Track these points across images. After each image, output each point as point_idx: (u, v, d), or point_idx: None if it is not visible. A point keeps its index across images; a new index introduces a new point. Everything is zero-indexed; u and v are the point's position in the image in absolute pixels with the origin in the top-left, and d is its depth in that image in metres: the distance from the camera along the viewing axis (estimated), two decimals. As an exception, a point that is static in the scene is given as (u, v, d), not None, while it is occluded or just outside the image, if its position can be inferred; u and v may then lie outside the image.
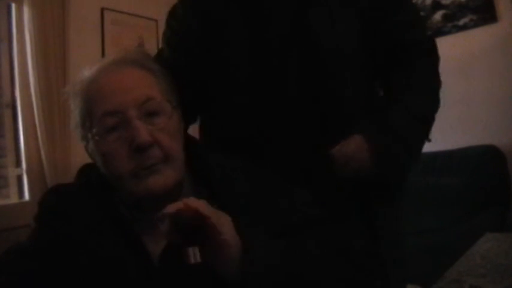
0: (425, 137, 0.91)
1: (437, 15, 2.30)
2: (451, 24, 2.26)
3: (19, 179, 2.45)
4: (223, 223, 0.59)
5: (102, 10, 2.81)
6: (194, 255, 0.54)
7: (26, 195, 2.42)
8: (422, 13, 2.33)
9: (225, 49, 0.89)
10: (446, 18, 2.27)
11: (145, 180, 0.66)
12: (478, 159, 2.10)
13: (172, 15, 0.97)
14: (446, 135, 2.27)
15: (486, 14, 2.15)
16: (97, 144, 0.68)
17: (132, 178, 0.67)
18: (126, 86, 0.69)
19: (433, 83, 0.93)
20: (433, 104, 0.91)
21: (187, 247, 0.55)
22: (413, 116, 0.87)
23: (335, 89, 0.86)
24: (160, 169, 0.67)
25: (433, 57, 0.94)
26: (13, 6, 2.44)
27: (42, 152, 2.40)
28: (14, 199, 2.42)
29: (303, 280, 0.64)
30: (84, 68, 0.74)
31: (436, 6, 2.30)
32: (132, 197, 0.69)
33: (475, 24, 2.19)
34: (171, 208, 0.56)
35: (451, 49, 2.29)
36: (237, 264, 0.59)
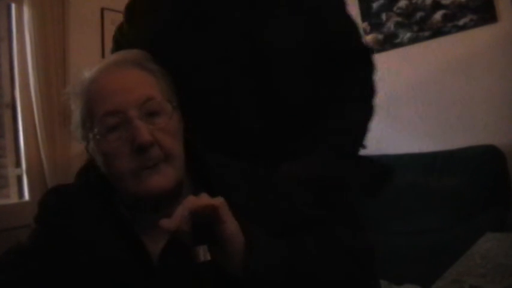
0: (355, 150, 0.94)
1: (437, 15, 2.30)
2: (451, 24, 2.25)
3: (19, 179, 2.45)
4: (227, 217, 0.60)
5: (102, 10, 2.82)
6: (204, 253, 0.54)
7: (26, 195, 2.42)
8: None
9: (176, 57, 0.88)
10: (446, 18, 2.27)
11: (146, 180, 0.66)
12: (478, 159, 2.10)
13: (120, 31, 1.00)
14: (446, 135, 2.27)
15: (486, 14, 2.14)
16: (98, 143, 0.68)
17: (133, 178, 0.67)
18: (127, 86, 0.69)
19: (367, 93, 0.96)
20: (367, 114, 0.94)
21: (196, 246, 0.55)
22: (339, 137, 0.90)
23: (285, 96, 0.88)
24: (161, 169, 0.67)
25: (369, 66, 0.97)
26: (13, 6, 2.44)
27: (42, 152, 2.40)
28: (14, 199, 2.42)
29: (303, 277, 0.64)
30: (85, 69, 0.74)
31: (436, 6, 2.29)
32: (132, 197, 0.69)
33: (475, 24, 2.19)
34: (173, 222, 0.56)
35: (451, 49, 2.29)
36: (240, 259, 0.60)
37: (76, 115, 0.73)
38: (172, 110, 0.72)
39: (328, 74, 0.93)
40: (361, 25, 2.57)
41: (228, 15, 0.89)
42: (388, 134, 2.45)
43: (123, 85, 0.69)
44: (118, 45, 0.98)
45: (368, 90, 0.95)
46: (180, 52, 0.88)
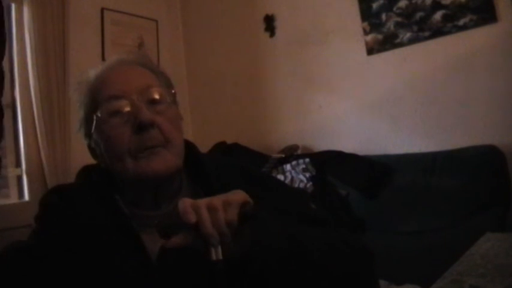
0: None
1: (437, 15, 2.30)
2: (451, 24, 2.25)
3: (19, 179, 2.45)
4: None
5: (102, 10, 2.82)
6: (216, 252, 0.54)
7: (26, 196, 2.42)
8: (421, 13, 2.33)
9: None
10: (446, 18, 2.27)
11: (145, 162, 0.68)
12: (478, 159, 2.09)
13: None
14: (446, 135, 2.27)
15: (486, 14, 2.14)
16: (100, 127, 0.70)
17: (132, 159, 0.68)
18: (129, 76, 0.73)
19: None
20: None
21: (210, 246, 0.54)
22: None
23: None
24: (160, 152, 0.69)
25: None
26: (13, 6, 2.44)
27: (42, 152, 2.40)
28: (13, 199, 2.42)
29: (305, 249, 0.63)
30: (88, 69, 0.78)
31: (436, 6, 2.29)
32: (131, 181, 0.70)
33: (475, 24, 2.18)
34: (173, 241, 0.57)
35: (451, 49, 2.28)
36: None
37: (81, 112, 0.75)
38: (171, 99, 0.75)
39: None
40: (361, 25, 2.56)
41: None
42: (388, 134, 2.45)
43: (125, 76, 0.73)
44: None
45: None
46: None
